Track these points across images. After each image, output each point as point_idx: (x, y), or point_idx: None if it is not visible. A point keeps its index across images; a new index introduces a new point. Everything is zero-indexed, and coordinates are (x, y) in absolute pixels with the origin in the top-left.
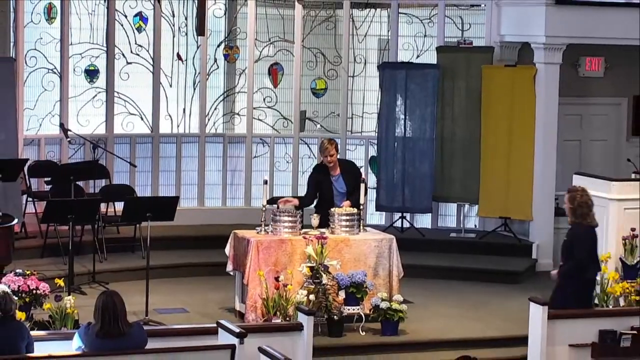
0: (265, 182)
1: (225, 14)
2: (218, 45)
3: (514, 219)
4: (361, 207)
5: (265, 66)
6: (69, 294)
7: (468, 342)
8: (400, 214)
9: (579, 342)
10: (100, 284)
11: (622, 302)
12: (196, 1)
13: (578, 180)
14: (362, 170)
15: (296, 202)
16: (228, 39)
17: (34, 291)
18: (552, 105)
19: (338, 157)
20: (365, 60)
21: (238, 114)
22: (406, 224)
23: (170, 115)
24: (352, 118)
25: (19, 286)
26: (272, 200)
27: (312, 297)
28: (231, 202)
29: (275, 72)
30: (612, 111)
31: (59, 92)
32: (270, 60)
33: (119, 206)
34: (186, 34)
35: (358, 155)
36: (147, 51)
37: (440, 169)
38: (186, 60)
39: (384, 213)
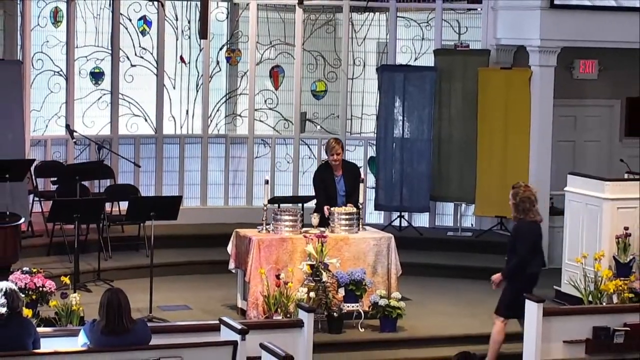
0: (267, 182)
1: (227, 17)
2: (220, 48)
3: (510, 218)
4: (360, 206)
5: (267, 68)
6: (75, 292)
7: (465, 339)
8: (398, 213)
9: (573, 339)
10: (105, 281)
11: (615, 300)
12: (199, 5)
13: (572, 180)
14: (361, 170)
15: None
16: (230, 42)
17: (41, 289)
18: (547, 107)
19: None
20: (364, 63)
21: (240, 115)
22: (404, 223)
23: (173, 117)
24: (351, 119)
25: (25, 284)
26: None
27: (312, 294)
28: (233, 201)
29: (276, 74)
30: (605, 113)
31: (64, 94)
32: (271, 63)
33: (124, 205)
34: (189, 37)
35: (357, 156)
36: (151, 54)
37: (438, 169)
38: (189, 62)
39: (382, 212)
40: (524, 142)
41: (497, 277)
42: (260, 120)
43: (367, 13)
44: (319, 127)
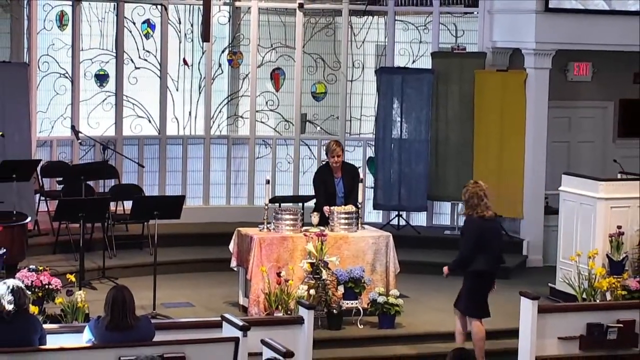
0: (268, 182)
1: (229, 21)
2: (222, 51)
3: (506, 217)
4: (359, 205)
5: (268, 71)
6: (80, 289)
7: None
8: (396, 213)
9: (568, 335)
10: (109, 279)
11: (608, 297)
12: (202, 9)
13: (567, 180)
14: (360, 170)
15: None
16: (232, 45)
17: (47, 286)
18: (542, 109)
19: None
20: (363, 65)
21: (241, 116)
22: (402, 222)
23: (176, 118)
24: (350, 120)
25: (32, 281)
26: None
27: (312, 292)
28: (235, 201)
29: (277, 76)
30: (599, 114)
31: (70, 95)
32: (272, 65)
33: (128, 205)
34: (192, 40)
35: (356, 156)
36: (155, 57)
37: (435, 169)
38: (192, 65)
39: (381, 211)
40: (520, 143)
41: (445, 268)
42: (262, 122)
43: (366, 17)
44: (319, 128)
